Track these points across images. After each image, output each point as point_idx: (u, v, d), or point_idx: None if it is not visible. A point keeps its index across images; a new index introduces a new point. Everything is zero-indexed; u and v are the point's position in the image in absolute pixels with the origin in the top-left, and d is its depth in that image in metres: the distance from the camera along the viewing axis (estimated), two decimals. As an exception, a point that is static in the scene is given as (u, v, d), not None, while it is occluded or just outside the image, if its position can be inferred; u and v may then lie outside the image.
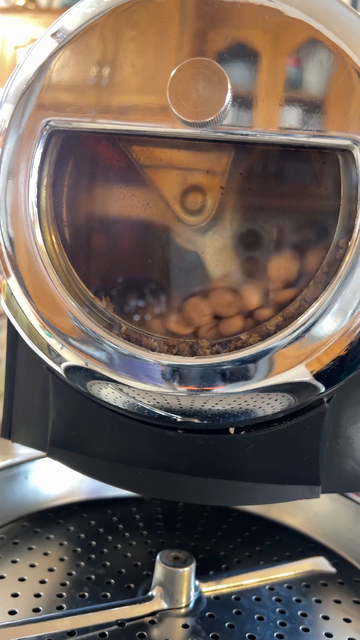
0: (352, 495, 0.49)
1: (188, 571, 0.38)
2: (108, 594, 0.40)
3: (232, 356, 0.29)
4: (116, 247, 0.32)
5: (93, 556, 0.44)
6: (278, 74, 0.28)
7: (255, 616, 0.39)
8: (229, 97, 0.27)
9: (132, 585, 0.41)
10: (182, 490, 0.35)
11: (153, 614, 0.38)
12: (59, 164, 0.31)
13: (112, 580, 0.41)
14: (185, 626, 0.37)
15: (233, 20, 0.28)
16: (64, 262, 0.31)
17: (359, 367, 0.30)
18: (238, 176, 0.31)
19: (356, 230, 0.28)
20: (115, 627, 0.36)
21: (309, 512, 0.50)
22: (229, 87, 0.27)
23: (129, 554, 0.45)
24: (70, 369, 0.32)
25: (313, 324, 0.28)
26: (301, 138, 0.28)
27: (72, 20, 0.30)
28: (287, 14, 0.28)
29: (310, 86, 0.28)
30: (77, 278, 0.32)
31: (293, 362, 0.29)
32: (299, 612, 0.39)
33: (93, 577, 0.42)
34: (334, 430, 0.34)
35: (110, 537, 0.47)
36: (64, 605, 0.38)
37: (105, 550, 0.45)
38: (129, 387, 0.31)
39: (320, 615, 0.39)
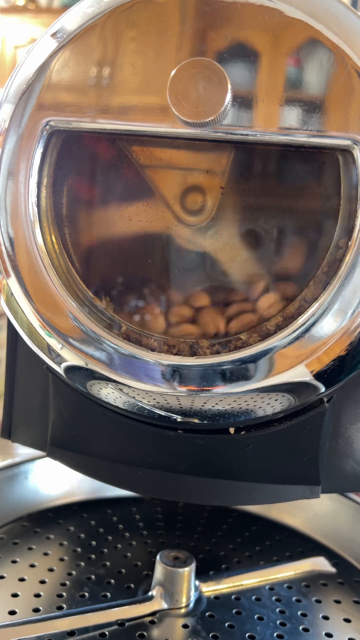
0: (352, 495, 0.49)
1: (188, 571, 0.38)
2: (108, 594, 0.40)
3: (232, 356, 0.29)
4: (116, 247, 0.32)
5: (93, 556, 0.44)
6: (278, 74, 0.28)
7: (255, 616, 0.39)
8: (229, 97, 0.27)
9: (132, 585, 0.41)
10: (182, 490, 0.35)
11: (153, 614, 0.38)
12: (59, 164, 0.31)
13: (112, 580, 0.41)
14: (185, 626, 0.37)
15: (233, 20, 0.28)
16: (64, 262, 0.31)
17: (359, 367, 0.30)
18: (238, 176, 0.31)
19: (356, 230, 0.28)
20: (115, 627, 0.36)
21: (309, 512, 0.50)
22: (229, 87, 0.27)
23: (129, 554, 0.45)
24: (70, 369, 0.32)
25: (313, 324, 0.28)
26: (301, 138, 0.28)
27: (72, 20, 0.30)
28: (287, 14, 0.28)
29: (310, 86, 0.28)
30: (77, 278, 0.32)
31: (293, 362, 0.29)
32: (299, 612, 0.39)
33: (93, 577, 0.42)
34: (334, 430, 0.34)
35: (110, 537, 0.47)
36: (64, 605, 0.38)
37: (105, 550, 0.45)
38: (129, 387, 0.31)
39: (320, 615, 0.39)
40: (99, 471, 0.37)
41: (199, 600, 0.39)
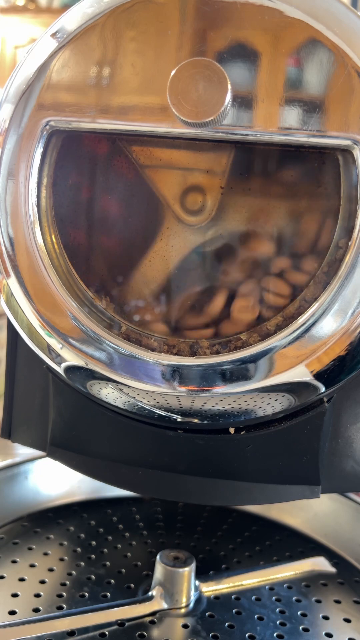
0: (352, 495, 0.49)
1: (188, 571, 0.38)
2: (108, 594, 0.40)
3: (232, 356, 0.29)
4: (116, 247, 0.32)
5: (93, 556, 0.44)
6: (278, 74, 0.28)
7: (255, 616, 0.39)
8: (229, 97, 0.27)
9: (132, 585, 0.41)
10: (182, 490, 0.35)
11: (153, 614, 0.38)
12: (59, 164, 0.31)
13: (112, 580, 0.41)
14: (185, 626, 0.37)
15: (233, 20, 0.28)
16: (64, 262, 0.31)
17: (359, 367, 0.30)
18: (238, 176, 0.31)
19: (356, 230, 0.28)
20: (115, 627, 0.36)
21: (309, 512, 0.50)
22: (229, 87, 0.27)
23: (129, 554, 0.45)
24: (70, 369, 0.32)
25: (313, 324, 0.28)
26: (301, 138, 0.28)
27: (72, 20, 0.30)
28: (287, 14, 0.28)
29: (310, 86, 0.28)
30: (77, 278, 0.32)
31: (293, 362, 0.29)
32: (299, 612, 0.39)
33: (93, 577, 0.42)
34: (334, 430, 0.34)
35: (110, 537, 0.47)
36: (64, 605, 0.38)
37: (105, 550, 0.45)
38: (129, 387, 0.31)
39: (320, 615, 0.39)
40: (99, 471, 0.37)
41: (199, 600, 0.39)
